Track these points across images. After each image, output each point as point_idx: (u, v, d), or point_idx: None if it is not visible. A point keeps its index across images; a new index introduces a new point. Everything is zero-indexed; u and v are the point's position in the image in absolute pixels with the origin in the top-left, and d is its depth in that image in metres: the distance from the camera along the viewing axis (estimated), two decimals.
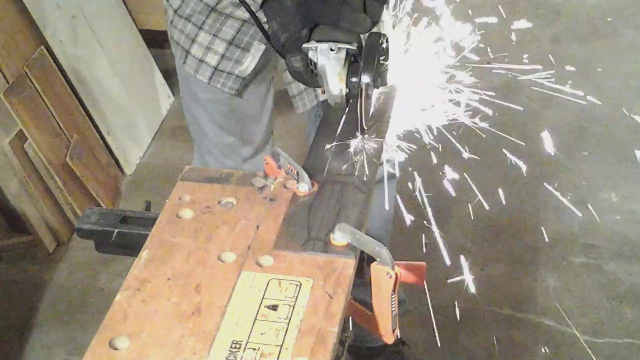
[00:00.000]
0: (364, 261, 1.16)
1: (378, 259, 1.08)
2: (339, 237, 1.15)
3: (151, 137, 3.48)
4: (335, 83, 1.25)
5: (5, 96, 2.72)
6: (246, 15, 1.64)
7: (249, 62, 1.74)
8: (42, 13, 3.01)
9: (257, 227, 1.19)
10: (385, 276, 1.08)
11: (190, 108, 1.92)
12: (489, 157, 2.96)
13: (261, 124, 1.92)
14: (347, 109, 1.28)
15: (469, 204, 2.75)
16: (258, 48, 1.72)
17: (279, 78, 1.86)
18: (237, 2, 1.58)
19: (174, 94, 3.69)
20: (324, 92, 1.28)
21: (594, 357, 2.45)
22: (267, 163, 1.29)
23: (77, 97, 3.15)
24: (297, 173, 1.26)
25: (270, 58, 1.78)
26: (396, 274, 1.07)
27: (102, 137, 3.24)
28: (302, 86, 1.80)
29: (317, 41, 1.24)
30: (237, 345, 1.00)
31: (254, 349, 1.00)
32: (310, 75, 1.28)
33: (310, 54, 1.25)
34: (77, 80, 3.14)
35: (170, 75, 3.67)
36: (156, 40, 3.63)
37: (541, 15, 4.12)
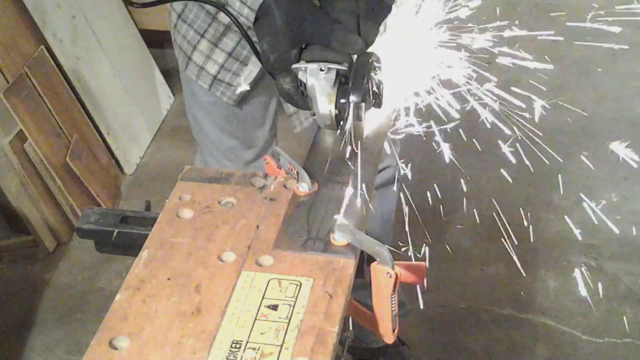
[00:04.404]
0: (364, 261, 1.16)
1: (378, 259, 1.08)
2: (339, 237, 1.15)
3: (151, 137, 3.48)
4: (325, 104, 1.21)
5: (5, 96, 2.72)
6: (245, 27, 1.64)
7: (246, 76, 1.72)
8: (42, 13, 3.01)
9: (257, 227, 1.19)
10: (385, 276, 1.08)
11: (192, 110, 1.91)
12: (488, 156, 2.97)
13: (264, 128, 1.91)
14: (338, 132, 1.25)
15: (469, 205, 2.75)
16: (256, 63, 1.69)
17: None
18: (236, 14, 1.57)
19: (174, 94, 3.69)
20: (314, 115, 1.24)
21: (594, 357, 2.45)
22: (267, 163, 1.29)
23: (77, 97, 3.15)
24: (297, 173, 1.26)
25: None
26: (396, 274, 1.07)
27: (102, 137, 3.24)
28: None
29: (307, 61, 1.21)
30: (237, 345, 1.00)
31: (254, 349, 1.00)
32: (301, 97, 1.24)
33: (300, 75, 1.21)
34: (77, 80, 3.14)
35: (170, 75, 3.67)
36: (156, 40, 3.64)
37: (541, 15, 4.12)
